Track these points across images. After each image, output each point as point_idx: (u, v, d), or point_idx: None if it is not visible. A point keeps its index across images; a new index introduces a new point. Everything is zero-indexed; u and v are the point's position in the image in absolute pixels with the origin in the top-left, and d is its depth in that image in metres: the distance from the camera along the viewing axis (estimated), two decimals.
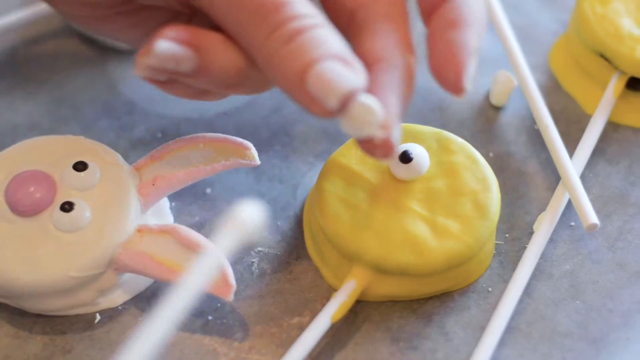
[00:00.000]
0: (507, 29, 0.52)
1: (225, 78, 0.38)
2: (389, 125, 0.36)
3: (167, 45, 0.36)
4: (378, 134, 0.35)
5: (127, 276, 0.43)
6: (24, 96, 0.52)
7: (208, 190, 0.48)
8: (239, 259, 0.45)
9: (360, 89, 0.35)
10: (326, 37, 0.35)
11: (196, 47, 0.37)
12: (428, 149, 0.44)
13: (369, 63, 0.37)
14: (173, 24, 0.37)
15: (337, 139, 0.49)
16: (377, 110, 0.35)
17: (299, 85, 0.35)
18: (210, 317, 0.43)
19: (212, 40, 0.37)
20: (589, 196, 0.45)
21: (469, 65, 0.37)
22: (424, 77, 0.52)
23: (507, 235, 0.46)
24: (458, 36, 0.37)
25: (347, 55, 0.35)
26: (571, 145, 0.49)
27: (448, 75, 0.37)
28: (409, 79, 0.38)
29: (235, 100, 0.52)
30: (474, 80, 0.38)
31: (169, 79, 0.38)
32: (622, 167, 0.49)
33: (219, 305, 0.44)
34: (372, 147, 0.36)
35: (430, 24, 0.39)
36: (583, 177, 0.48)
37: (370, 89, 0.36)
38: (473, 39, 0.37)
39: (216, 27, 0.38)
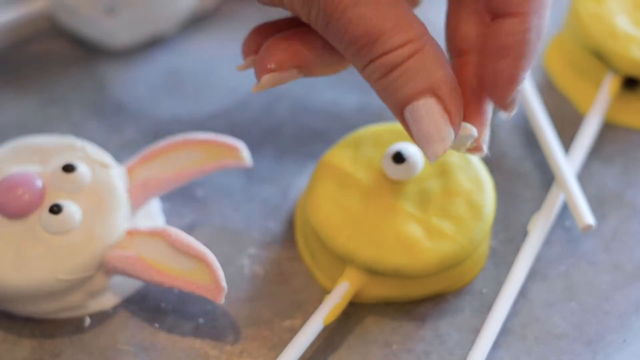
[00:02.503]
0: None
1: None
2: (481, 139, 0.39)
3: (270, 77, 0.39)
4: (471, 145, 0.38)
5: (117, 279, 0.43)
6: (12, 96, 0.52)
7: (199, 192, 0.48)
8: (230, 261, 0.45)
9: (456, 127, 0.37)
10: (421, 66, 0.36)
11: (297, 67, 0.39)
12: None
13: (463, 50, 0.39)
14: (274, 39, 0.39)
15: (329, 139, 0.49)
16: (474, 134, 0.38)
17: (399, 112, 0.37)
18: (201, 320, 0.43)
19: (309, 58, 0.39)
20: (584, 196, 0.45)
21: (516, 95, 0.38)
22: None
23: (501, 236, 0.46)
24: (514, 68, 0.38)
25: (441, 89, 0.36)
26: (566, 145, 0.49)
27: (494, 94, 0.38)
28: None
29: (226, 101, 0.52)
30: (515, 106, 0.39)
31: None
32: (617, 167, 0.49)
33: (210, 308, 0.44)
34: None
35: (491, 33, 0.38)
36: (578, 177, 0.47)
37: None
38: (526, 72, 0.38)
39: None
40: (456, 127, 0.37)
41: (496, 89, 0.38)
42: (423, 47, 0.36)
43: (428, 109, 0.36)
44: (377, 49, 0.36)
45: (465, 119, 0.38)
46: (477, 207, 0.43)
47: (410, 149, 0.43)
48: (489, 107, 0.39)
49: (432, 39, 0.36)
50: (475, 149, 0.39)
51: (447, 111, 0.36)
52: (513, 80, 0.37)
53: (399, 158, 0.43)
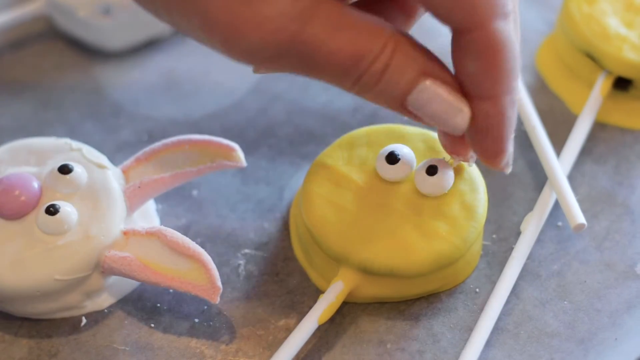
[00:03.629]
0: None
1: None
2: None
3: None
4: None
5: (113, 279, 0.43)
6: (9, 99, 0.52)
7: (194, 193, 0.48)
8: (226, 261, 0.45)
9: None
10: (405, 59, 0.36)
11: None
12: (415, 149, 0.44)
13: None
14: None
15: (324, 140, 0.49)
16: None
17: (402, 107, 0.38)
18: (196, 320, 0.43)
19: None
20: (576, 196, 0.45)
21: (509, 158, 0.39)
22: None
23: (494, 236, 0.46)
24: (498, 143, 0.38)
25: (431, 68, 0.37)
26: (558, 145, 0.49)
27: (489, 165, 0.39)
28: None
29: (221, 102, 0.52)
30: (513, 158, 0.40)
31: None
32: (609, 167, 0.49)
33: (205, 307, 0.44)
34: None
35: (457, 59, 0.38)
36: (570, 177, 0.47)
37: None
38: (510, 139, 0.39)
39: None
40: (461, 96, 0.37)
41: (489, 161, 0.39)
42: (398, 41, 0.36)
43: (430, 90, 0.37)
44: (361, 66, 0.36)
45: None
46: (470, 207, 0.43)
47: (404, 150, 0.43)
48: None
49: (401, 33, 0.37)
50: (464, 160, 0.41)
51: (447, 84, 0.37)
52: (500, 152, 0.38)
53: (392, 159, 0.43)
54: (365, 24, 0.35)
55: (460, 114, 0.37)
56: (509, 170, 0.40)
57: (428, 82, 0.37)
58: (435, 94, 0.37)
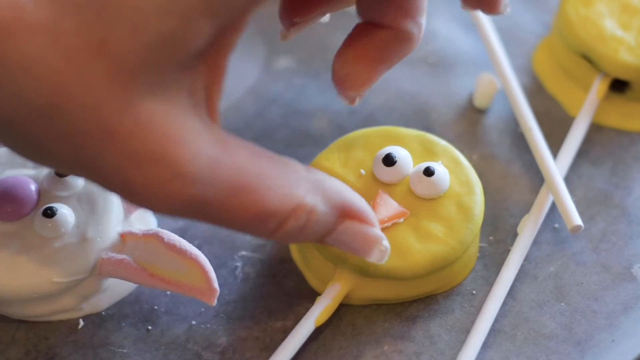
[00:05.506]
0: (490, 31, 0.52)
1: None
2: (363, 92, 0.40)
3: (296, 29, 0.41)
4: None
5: (111, 281, 0.43)
6: None
7: None
8: (223, 263, 0.45)
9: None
10: (322, 216, 0.36)
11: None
12: (411, 151, 0.44)
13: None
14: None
15: (321, 142, 0.49)
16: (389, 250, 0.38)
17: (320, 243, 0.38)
18: (193, 322, 0.43)
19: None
20: (572, 198, 0.45)
21: None
22: (408, 81, 0.53)
23: (491, 238, 0.46)
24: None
25: (349, 209, 0.37)
26: (555, 147, 0.49)
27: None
28: None
29: None
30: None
31: None
32: (606, 169, 0.49)
33: (202, 310, 0.44)
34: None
35: None
36: (567, 179, 0.48)
37: None
38: None
39: None
40: (377, 225, 0.38)
41: (491, 7, 0.39)
42: (314, 201, 0.35)
43: (349, 232, 0.37)
44: (272, 222, 0.34)
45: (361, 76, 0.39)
46: (467, 209, 0.43)
47: (401, 152, 0.43)
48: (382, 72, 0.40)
49: (313, 176, 0.36)
50: (352, 99, 0.40)
51: (363, 220, 0.37)
52: None
53: (389, 161, 0.43)
54: (272, 180, 0.34)
55: (380, 247, 0.37)
56: (508, 9, 0.40)
57: (348, 223, 0.37)
58: (355, 233, 0.37)
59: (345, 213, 0.37)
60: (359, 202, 0.37)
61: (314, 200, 0.35)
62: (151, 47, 0.30)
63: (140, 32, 0.30)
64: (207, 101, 0.33)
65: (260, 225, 0.34)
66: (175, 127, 0.31)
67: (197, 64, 0.32)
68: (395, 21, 0.39)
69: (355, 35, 0.40)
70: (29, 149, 0.32)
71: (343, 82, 0.39)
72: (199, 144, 0.32)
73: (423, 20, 0.40)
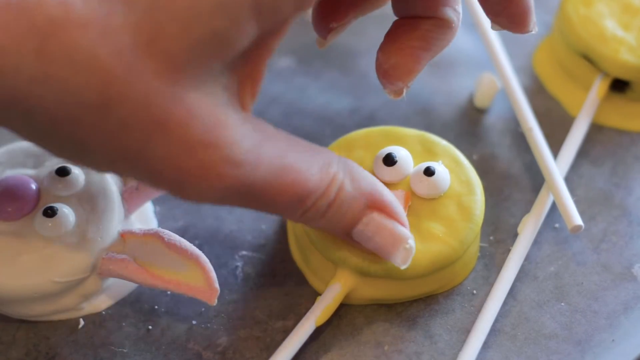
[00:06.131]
0: (490, 31, 0.52)
1: None
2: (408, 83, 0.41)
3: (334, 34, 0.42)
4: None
5: (111, 281, 0.43)
6: None
7: None
8: (223, 263, 0.45)
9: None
10: (350, 196, 0.37)
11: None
12: (412, 151, 0.44)
13: None
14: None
15: (321, 142, 0.49)
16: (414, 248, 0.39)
17: (347, 236, 0.39)
18: (194, 322, 0.43)
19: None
20: (573, 198, 0.45)
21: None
22: None
23: (491, 238, 0.46)
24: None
25: (377, 201, 0.38)
26: (555, 147, 0.49)
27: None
28: None
29: None
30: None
31: None
32: (606, 169, 0.49)
33: (202, 309, 0.44)
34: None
35: None
36: (567, 179, 0.48)
37: None
38: None
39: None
40: (407, 225, 0.39)
41: (520, 25, 0.40)
42: (343, 179, 0.37)
43: (375, 225, 0.38)
44: (310, 200, 0.36)
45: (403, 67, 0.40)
46: (467, 209, 0.43)
47: (401, 152, 0.43)
48: (426, 60, 0.41)
49: (343, 161, 0.38)
50: (399, 91, 0.41)
51: (391, 216, 0.38)
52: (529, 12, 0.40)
53: (389, 161, 0.43)
54: (309, 162, 0.36)
55: (404, 246, 0.39)
56: (536, 28, 0.40)
57: (375, 215, 0.38)
58: (381, 227, 0.38)
59: (374, 204, 0.38)
60: (389, 196, 0.38)
61: (343, 178, 0.37)
62: (200, 45, 0.31)
63: (191, 30, 0.31)
64: (241, 100, 0.35)
65: (299, 204, 0.36)
66: (222, 116, 0.33)
67: (238, 63, 0.34)
68: (434, 10, 0.40)
69: (396, 29, 0.41)
70: (73, 148, 0.33)
71: (390, 74, 0.40)
72: (243, 130, 0.34)
73: (459, 7, 0.41)
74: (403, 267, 0.39)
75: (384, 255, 0.39)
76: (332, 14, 0.41)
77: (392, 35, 0.40)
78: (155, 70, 0.31)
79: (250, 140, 0.34)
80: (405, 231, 0.39)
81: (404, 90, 0.41)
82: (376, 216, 0.38)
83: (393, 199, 0.39)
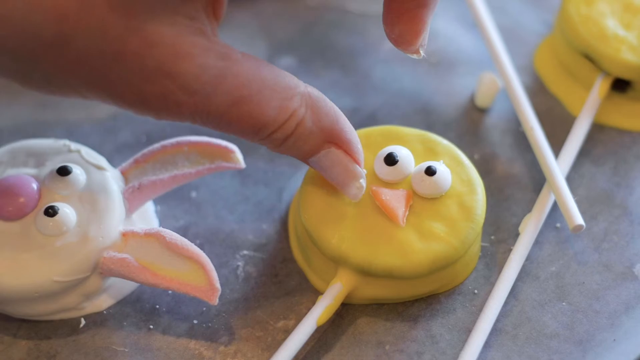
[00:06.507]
0: (491, 30, 0.52)
1: None
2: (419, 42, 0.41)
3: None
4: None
5: (112, 280, 0.43)
6: (8, 100, 0.52)
7: (193, 194, 0.48)
8: (224, 263, 0.45)
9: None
10: (309, 130, 0.39)
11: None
12: (413, 151, 0.44)
13: None
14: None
15: None
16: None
17: (305, 161, 0.41)
18: (195, 321, 0.43)
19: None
20: (574, 197, 0.45)
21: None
22: (409, 80, 0.52)
23: (492, 237, 0.46)
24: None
25: (337, 137, 0.40)
26: (556, 146, 0.49)
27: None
28: None
29: None
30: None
31: None
32: (608, 168, 0.49)
33: (204, 309, 0.44)
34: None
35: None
36: (568, 179, 0.48)
37: None
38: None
39: None
40: (361, 164, 0.41)
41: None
42: (304, 114, 0.38)
43: (331, 158, 0.40)
44: (264, 132, 0.38)
45: (406, 24, 0.40)
46: (469, 209, 0.43)
47: (402, 151, 0.43)
48: (427, 16, 0.40)
49: (307, 93, 0.39)
50: (415, 52, 0.41)
51: (348, 153, 0.40)
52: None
53: (390, 160, 0.43)
54: (269, 96, 0.37)
55: (356, 183, 0.41)
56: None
57: (333, 149, 0.40)
58: (336, 162, 0.40)
59: (333, 139, 0.40)
60: (349, 133, 0.40)
61: (304, 114, 0.38)
62: None
63: None
64: (209, 20, 0.37)
65: (254, 134, 0.38)
66: (183, 45, 0.35)
67: None
68: None
69: None
70: (41, 79, 0.36)
71: (400, 42, 0.41)
72: (205, 59, 0.36)
73: None
74: (354, 201, 0.42)
75: (338, 188, 0.41)
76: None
77: (388, 4, 0.41)
78: (109, 3, 0.34)
79: (211, 70, 0.36)
80: (358, 169, 0.41)
81: (421, 50, 0.41)
82: (333, 151, 0.40)
83: (353, 136, 0.40)
